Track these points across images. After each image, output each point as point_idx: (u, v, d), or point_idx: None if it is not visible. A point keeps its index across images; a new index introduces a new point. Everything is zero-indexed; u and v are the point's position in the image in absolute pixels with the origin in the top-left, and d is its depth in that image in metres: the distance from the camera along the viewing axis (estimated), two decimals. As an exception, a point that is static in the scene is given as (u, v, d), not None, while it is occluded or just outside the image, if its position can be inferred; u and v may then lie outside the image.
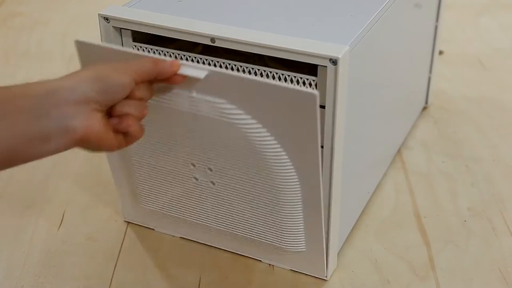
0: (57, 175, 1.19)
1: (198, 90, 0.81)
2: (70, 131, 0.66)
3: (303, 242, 0.91)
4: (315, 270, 0.97)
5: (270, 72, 0.87)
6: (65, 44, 1.66)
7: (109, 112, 0.72)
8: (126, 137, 0.74)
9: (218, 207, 0.93)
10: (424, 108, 1.37)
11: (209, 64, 0.90)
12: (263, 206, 0.88)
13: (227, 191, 0.90)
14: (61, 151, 0.67)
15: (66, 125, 0.66)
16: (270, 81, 0.77)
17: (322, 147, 0.88)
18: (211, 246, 1.02)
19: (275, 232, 0.90)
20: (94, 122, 0.68)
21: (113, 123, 0.72)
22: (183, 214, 0.97)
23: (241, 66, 0.88)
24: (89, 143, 0.68)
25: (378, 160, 1.13)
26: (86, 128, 0.67)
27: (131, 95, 0.73)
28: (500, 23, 1.76)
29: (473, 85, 1.47)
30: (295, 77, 0.86)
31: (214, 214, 0.94)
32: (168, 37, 0.90)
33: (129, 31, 0.93)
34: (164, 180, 0.94)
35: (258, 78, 0.77)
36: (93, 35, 1.64)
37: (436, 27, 1.28)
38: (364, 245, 1.03)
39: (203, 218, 0.95)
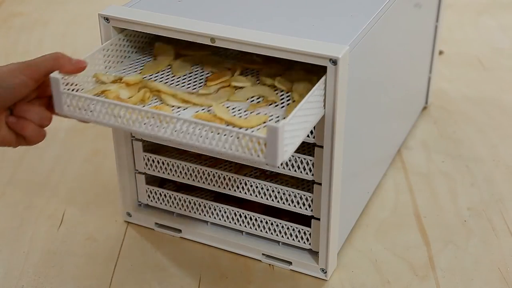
0: (57, 175, 1.19)
1: None
2: None
3: None
4: (315, 270, 0.97)
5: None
6: (65, 44, 1.66)
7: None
8: (26, 140, 0.78)
9: None
10: (424, 108, 1.37)
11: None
12: None
13: None
14: None
15: None
16: None
17: (322, 147, 0.88)
18: (211, 246, 1.03)
19: None
20: None
21: (9, 121, 0.76)
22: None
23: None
24: None
25: (378, 160, 1.13)
26: None
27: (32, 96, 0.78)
28: (500, 23, 1.76)
29: (473, 85, 1.47)
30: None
31: None
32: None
33: (129, 31, 0.93)
34: None
35: None
36: (93, 35, 1.64)
37: (436, 27, 1.28)
38: (364, 245, 1.03)
39: None
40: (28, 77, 0.75)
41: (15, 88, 0.75)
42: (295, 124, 0.77)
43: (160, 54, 0.97)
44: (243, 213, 0.99)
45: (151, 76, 0.94)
